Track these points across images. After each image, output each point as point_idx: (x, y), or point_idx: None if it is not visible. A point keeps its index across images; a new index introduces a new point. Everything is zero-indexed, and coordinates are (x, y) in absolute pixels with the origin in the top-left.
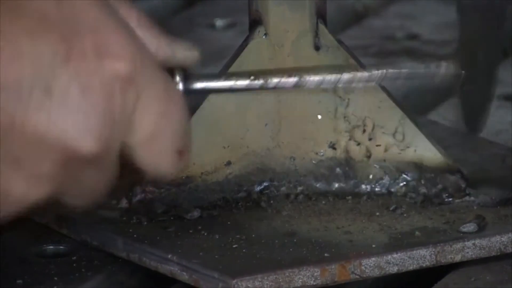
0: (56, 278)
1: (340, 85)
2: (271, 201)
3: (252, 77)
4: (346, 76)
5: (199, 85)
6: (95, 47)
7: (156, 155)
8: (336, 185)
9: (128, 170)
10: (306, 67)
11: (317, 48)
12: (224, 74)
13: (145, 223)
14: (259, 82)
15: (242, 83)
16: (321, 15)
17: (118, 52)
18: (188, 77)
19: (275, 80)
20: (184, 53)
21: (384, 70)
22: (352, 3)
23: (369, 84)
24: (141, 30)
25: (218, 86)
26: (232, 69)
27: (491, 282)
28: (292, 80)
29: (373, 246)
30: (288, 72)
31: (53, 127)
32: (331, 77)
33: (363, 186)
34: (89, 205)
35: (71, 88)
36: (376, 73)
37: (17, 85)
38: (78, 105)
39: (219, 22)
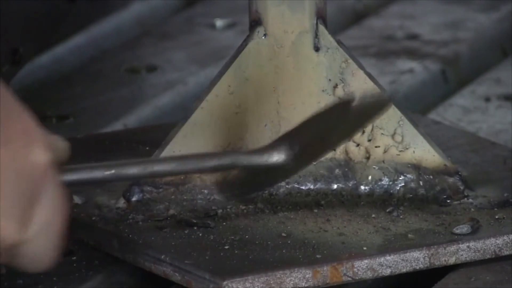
0: (56, 278)
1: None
2: (269, 202)
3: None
4: (190, 166)
5: (73, 176)
6: (25, 132)
7: (43, 249)
8: (335, 186)
9: None
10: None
11: (316, 48)
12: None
13: (142, 223)
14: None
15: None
16: (320, 16)
17: (42, 139)
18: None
19: (131, 172)
20: (62, 145)
21: (219, 160)
22: (352, 3)
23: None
24: None
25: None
26: (231, 69)
27: (491, 282)
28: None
29: (365, 248)
30: (141, 162)
31: None
32: (177, 167)
33: (362, 187)
34: None
35: (6, 171)
36: (209, 161)
37: None
38: (11, 190)
39: (219, 22)
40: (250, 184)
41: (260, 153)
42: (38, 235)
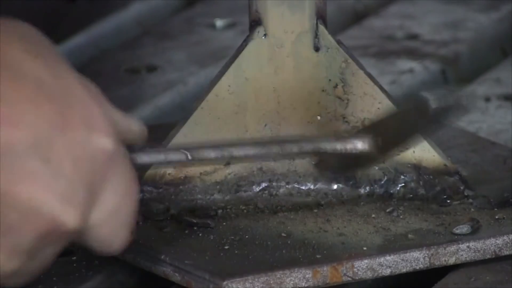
0: (56, 278)
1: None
2: (269, 202)
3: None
4: (274, 149)
5: (147, 159)
6: (85, 120)
7: (112, 234)
8: (335, 186)
9: None
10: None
11: (316, 48)
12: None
13: (142, 223)
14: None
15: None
16: (320, 16)
17: (104, 127)
18: (143, 152)
19: (207, 155)
20: (138, 128)
21: (302, 145)
22: (352, 3)
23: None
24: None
25: (170, 159)
26: (231, 69)
27: (491, 282)
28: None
29: (365, 248)
30: (219, 146)
31: (43, 197)
32: (260, 151)
33: (362, 187)
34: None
35: (65, 159)
36: (291, 147)
37: (14, 152)
38: (69, 177)
39: (219, 22)
40: (344, 165)
41: (344, 140)
42: (106, 221)
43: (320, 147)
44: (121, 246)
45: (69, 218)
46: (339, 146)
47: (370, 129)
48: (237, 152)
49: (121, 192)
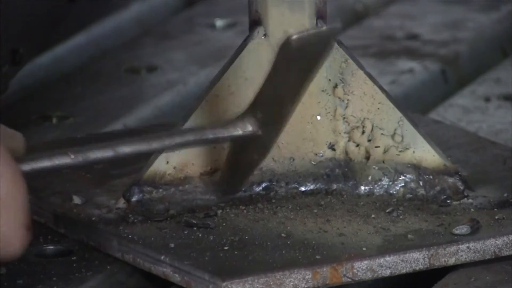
0: (56, 278)
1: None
2: (269, 202)
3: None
4: (155, 145)
5: (32, 166)
6: None
7: (5, 233)
8: (335, 186)
9: None
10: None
11: None
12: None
13: (142, 223)
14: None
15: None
16: (320, 16)
17: None
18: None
19: (93, 156)
20: (15, 136)
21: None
22: (352, 3)
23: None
24: None
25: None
26: (231, 69)
27: (491, 282)
28: (108, 153)
29: (364, 249)
30: (104, 145)
31: None
32: (145, 147)
33: (362, 188)
34: None
35: None
36: (174, 139)
37: None
38: None
39: (219, 22)
40: (236, 176)
41: (224, 127)
42: None
43: (205, 137)
44: (20, 246)
45: None
46: (221, 132)
47: (247, 110)
48: (124, 149)
49: (3, 192)
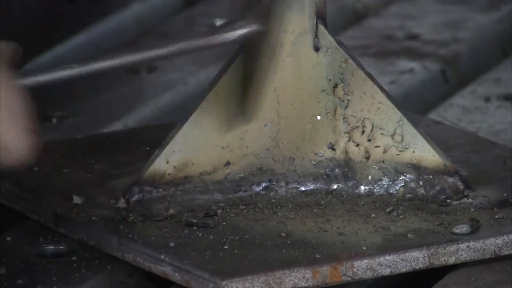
0: (56, 278)
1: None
2: (269, 202)
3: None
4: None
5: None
6: None
7: (8, 136)
8: (335, 186)
9: None
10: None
11: (316, 48)
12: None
13: (142, 223)
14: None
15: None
16: (320, 16)
17: None
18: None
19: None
20: (7, 47)
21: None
22: (352, 3)
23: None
24: None
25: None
26: (231, 69)
27: (491, 282)
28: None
29: (363, 248)
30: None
31: None
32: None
33: (362, 187)
34: None
35: None
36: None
37: None
38: None
39: (219, 22)
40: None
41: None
42: None
43: (206, 43)
44: (24, 149)
45: None
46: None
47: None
48: (128, 58)
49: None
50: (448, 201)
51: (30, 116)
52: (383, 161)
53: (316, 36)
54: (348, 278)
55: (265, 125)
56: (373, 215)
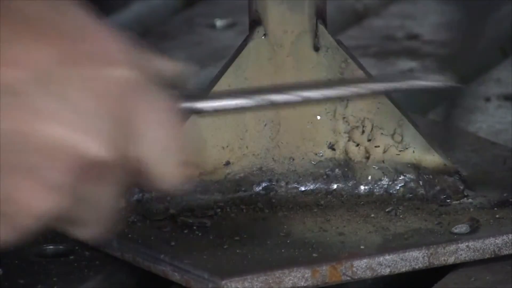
0: (56, 278)
1: (343, 99)
2: (269, 202)
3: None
4: (350, 90)
5: (199, 105)
6: (94, 54)
7: (162, 165)
8: (335, 186)
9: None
10: (306, 82)
11: (316, 48)
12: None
13: (141, 223)
14: (259, 99)
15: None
16: (320, 16)
17: (115, 60)
18: (187, 96)
19: (275, 98)
20: (173, 66)
21: (387, 84)
22: (352, 3)
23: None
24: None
25: (221, 106)
26: (231, 69)
27: (491, 282)
28: (294, 97)
29: (362, 247)
30: (287, 89)
31: (61, 132)
32: (335, 92)
33: (362, 187)
34: (99, 233)
35: (76, 94)
36: (380, 85)
37: (16, 90)
38: (85, 110)
39: (219, 22)
40: None
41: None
42: (150, 151)
43: (389, 87)
44: (175, 180)
45: (93, 148)
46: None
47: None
48: (310, 94)
49: (156, 122)
50: (448, 201)
51: (190, 148)
52: (383, 161)
53: (316, 36)
54: (348, 278)
55: (265, 125)
56: (372, 215)
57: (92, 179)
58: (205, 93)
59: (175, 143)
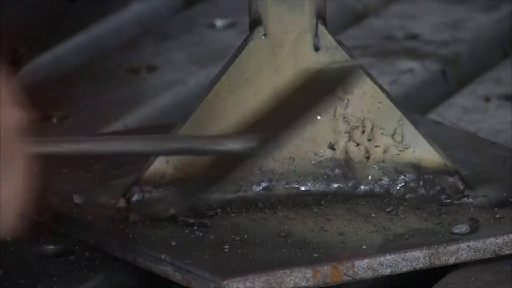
0: (56, 278)
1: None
2: (269, 202)
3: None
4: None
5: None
6: None
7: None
8: (335, 186)
9: None
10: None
11: (316, 48)
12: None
13: (142, 223)
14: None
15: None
16: (320, 16)
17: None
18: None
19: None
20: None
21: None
22: (352, 3)
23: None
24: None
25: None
26: (231, 69)
27: (491, 282)
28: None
29: (364, 247)
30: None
31: None
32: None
33: (362, 187)
34: None
35: None
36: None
37: None
38: None
39: (219, 22)
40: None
41: (217, 140)
42: None
43: (191, 147)
44: (8, 227)
45: None
46: (210, 146)
47: (248, 127)
48: (114, 147)
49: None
50: (448, 201)
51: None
52: (383, 161)
53: (316, 36)
54: (349, 278)
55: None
56: (373, 215)
57: None
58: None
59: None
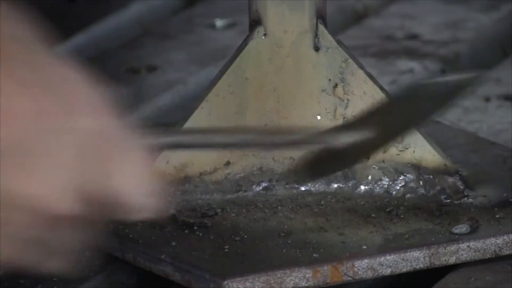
0: (56, 278)
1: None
2: (269, 202)
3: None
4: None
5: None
6: (60, 107)
7: (138, 196)
8: (335, 186)
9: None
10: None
11: (316, 48)
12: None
13: (142, 223)
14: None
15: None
16: (320, 16)
17: (80, 110)
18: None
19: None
20: None
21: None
22: (352, 3)
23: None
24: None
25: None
26: (231, 69)
27: (491, 282)
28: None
29: (364, 247)
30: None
31: (28, 189)
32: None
33: (362, 187)
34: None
35: (43, 147)
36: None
37: None
38: (52, 165)
39: (219, 22)
40: (327, 164)
41: (338, 133)
42: (124, 186)
43: (313, 140)
44: (148, 210)
45: (60, 203)
46: (334, 139)
47: (364, 119)
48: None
49: (129, 160)
50: (448, 201)
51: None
52: (383, 161)
53: (316, 36)
54: (349, 278)
55: (265, 125)
56: (373, 215)
57: (58, 229)
58: (171, 129)
59: (147, 176)
